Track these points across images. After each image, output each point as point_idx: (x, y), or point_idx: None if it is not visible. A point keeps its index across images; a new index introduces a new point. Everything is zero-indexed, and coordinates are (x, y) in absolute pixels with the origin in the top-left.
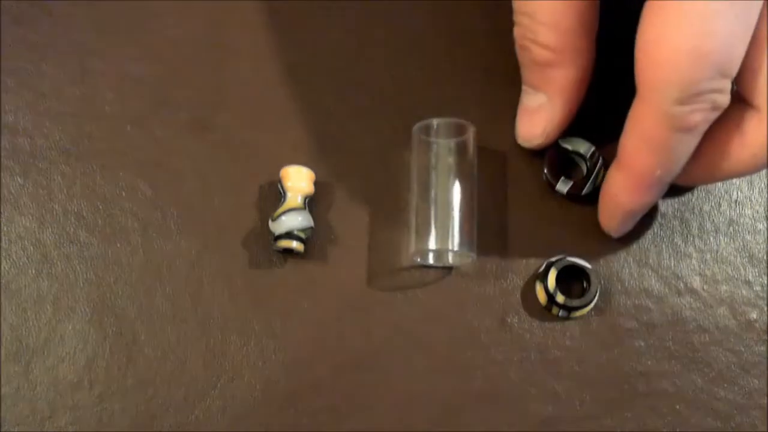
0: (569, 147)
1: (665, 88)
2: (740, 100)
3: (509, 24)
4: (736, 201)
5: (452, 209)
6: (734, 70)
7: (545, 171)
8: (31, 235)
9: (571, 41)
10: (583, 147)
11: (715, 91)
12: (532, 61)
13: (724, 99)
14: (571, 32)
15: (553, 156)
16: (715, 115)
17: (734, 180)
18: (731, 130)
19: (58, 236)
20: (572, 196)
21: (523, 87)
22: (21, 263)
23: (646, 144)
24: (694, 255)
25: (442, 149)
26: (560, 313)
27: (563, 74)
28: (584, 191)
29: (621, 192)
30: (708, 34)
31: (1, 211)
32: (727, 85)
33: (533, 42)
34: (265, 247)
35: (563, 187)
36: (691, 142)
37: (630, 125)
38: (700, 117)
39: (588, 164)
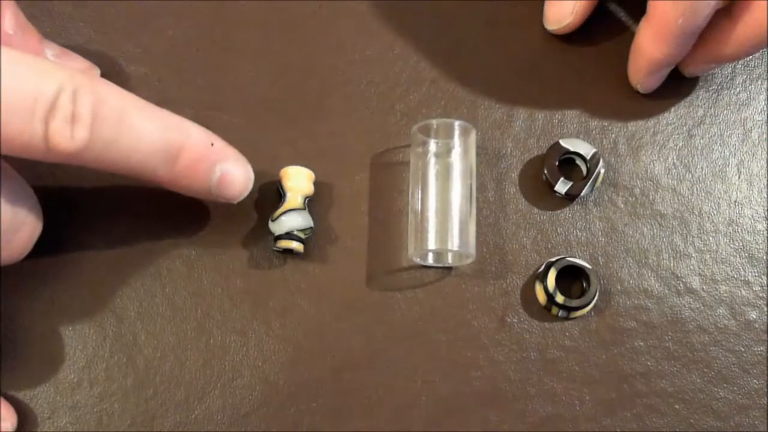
0: (570, 147)
1: None
2: None
3: (509, 24)
4: (735, 201)
5: (452, 209)
6: None
7: (545, 171)
8: None
9: None
10: (584, 148)
11: None
12: None
13: None
14: None
15: (552, 156)
16: None
17: (734, 180)
18: (739, 9)
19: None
20: (571, 196)
21: None
22: (22, 262)
23: None
24: (694, 255)
25: (442, 149)
26: (560, 313)
27: None
28: (583, 192)
29: (647, 42)
30: None
31: None
32: None
33: None
34: (265, 247)
35: (562, 187)
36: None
37: None
38: None
39: (588, 165)
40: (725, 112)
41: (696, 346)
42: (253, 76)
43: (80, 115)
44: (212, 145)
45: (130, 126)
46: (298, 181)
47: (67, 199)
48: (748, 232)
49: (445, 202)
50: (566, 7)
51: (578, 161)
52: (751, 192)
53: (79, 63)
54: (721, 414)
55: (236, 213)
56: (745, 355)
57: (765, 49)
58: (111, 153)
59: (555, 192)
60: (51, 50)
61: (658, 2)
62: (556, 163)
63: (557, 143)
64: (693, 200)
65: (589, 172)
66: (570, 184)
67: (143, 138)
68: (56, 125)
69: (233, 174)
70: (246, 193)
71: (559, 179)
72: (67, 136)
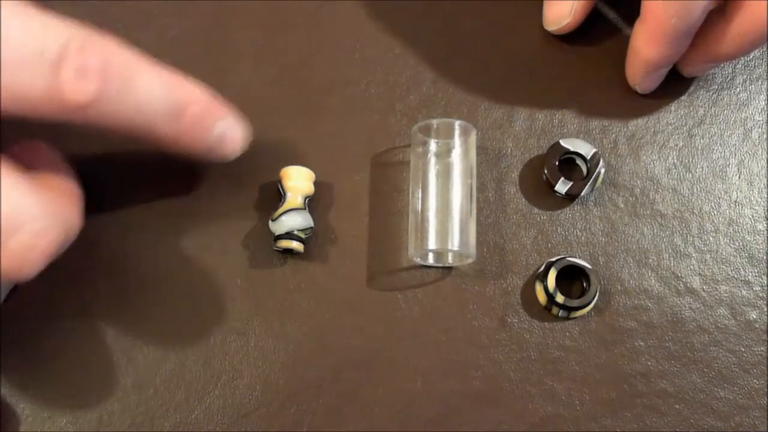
0: (570, 147)
1: None
2: None
3: (509, 24)
4: (735, 201)
5: (452, 209)
6: None
7: (545, 171)
8: None
9: None
10: (584, 148)
11: None
12: None
13: None
14: None
15: (552, 156)
16: None
17: (734, 180)
18: (733, 7)
19: None
20: (571, 196)
21: None
22: None
23: None
24: (694, 255)
25: (442, 149)
26: (560, 313)
27: None
28: (583, 192)
29: (642, 43)
30: None
31: None
32: None
33: None
34: (265, 247)
35: (562, 187)
36: None
37: None
38: None
39: (588, 165)
40: (725, 112)
41: (696, 346)
42: (253, 76)
43: (90, 67)
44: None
45: (138, 81)
46: (298, 181)
47: None
48: (748, 232)
49: (446, 202)
50: (565, 7)
51: (578, 161)
52: (751, 192)
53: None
54: (722, 414)
55: (236, 213)
56: (745, 355)
57: (764, 49)
58: (119, 107)
59: (555, 192)
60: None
61: (650, 3)
62: (557, 163)
63: (557, 143)
64: (693, 200)
65: (590, 172)
66: (570, 184)
67: (151, 94)
68: (66, 75)
69: (232, 131)
70: (240, 152)
71: (559, 179)
72: (79, 88)
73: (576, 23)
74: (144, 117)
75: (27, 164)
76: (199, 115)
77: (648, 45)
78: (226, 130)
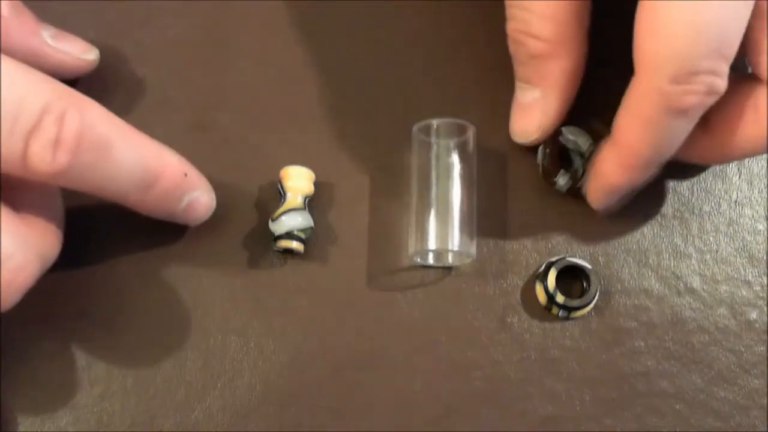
0: (571, 136)
1: (661, 64)
2: (752, 77)
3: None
4: (735, 201)
5: (452, 209)
6: (732, 51)
7: (542, 163)
8: None
9: (565, 32)
10: (582, 139)
11: (711, 73)
12: (527, 54)
13: (721, 84)
14: (566, 23)
15: (552, 149)
16: (710, 100)
17: (734, 180)
18: (744, 106)
19: None
20: (571, 190)
21: (517, 83)
22: None
23: (638, 123)
24: (694, 255)
25: (442, 149)
26: (560, 313)
27: (558, 66)
28: (582, 181)
29: (609, 168)
30: (705, 6)
31: None
32: (725, 68)
33: (527, 34)
34: (265, 247)
35: (563, 180)
36: (683, 127)
37: (625, 103)
38: (695, 100)
39: (584, 157)
40: None
41: (696, 346)
42: (253, 76)
43: (64, 140)
44: (186, 175)
45: (112, 154)
46: (298, 181)
47: (64, 199)
48: (748, 232)
49: (445, 201)
50: (532, 124)
51: (575, 156)
52: (751, 192)
53: (77, 45)
54: (722, 414)
55: (236, 213)
56: (745, 355)
57: None
58: (88, 178)
59: (555, 185)
60: (48, 32)
61: (624, 128)
62: (556, 155)
63: (557, 132)
64: (693, 200)
65: (587, 161)
66: (569, 176)
67: (123, 167)
68: (37, 147)
69: (200, 202)
70: (205, 218)
71: (559, 171)
72: (48, 160)
73: (544, 140)
74: (114, 187)
75: (10, 185)
76: (169, 187)
77: (616, 171)
78: (194, 201)
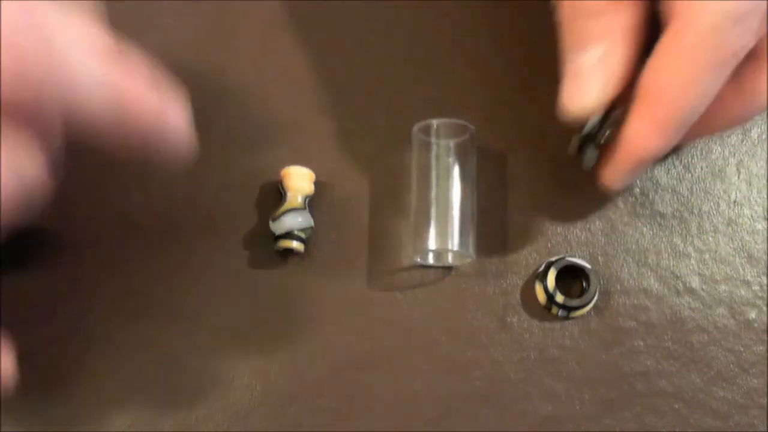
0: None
1: (719, 2)
2: None
3: (509, 23)
4: (734, 201)
5: (452, 209)
6: None
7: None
8: None
9: None
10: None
11: (760, 11)
12: (587, 11)
13: (763, 28)
14: None
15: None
16: (753, 43)
17: (733, 180)
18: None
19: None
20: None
21: (568, 53)
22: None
23: (680, 75)
24: (693, 255)
25: (442, 150)
26: (560, 313)
27: (619, 22)
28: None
29: (643, 133)
30: None
31: None
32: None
33: None
34: (265, 247)
35: (591, 152)
36: (725, 75)
37: (662, 58)
38: (748, 39)
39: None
40: None
41: (695, 346)
42: (253, 76)
43: None
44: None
45: None
46: (298, 181)
47: (63, 199)
48: (747, 231)
49: (445, 201)
50: (595, 88)
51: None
52: (750, 192)
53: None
54: (721, 413)
55: (236, 213)
56: (744, 354)
57: None
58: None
59: (583, 159)
60: None
61: (658, 83)
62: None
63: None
64: (692, 200)
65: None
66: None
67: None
68: None
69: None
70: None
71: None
72: None
73: (604, 106)
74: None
75: None
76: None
77: (653, 136)
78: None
